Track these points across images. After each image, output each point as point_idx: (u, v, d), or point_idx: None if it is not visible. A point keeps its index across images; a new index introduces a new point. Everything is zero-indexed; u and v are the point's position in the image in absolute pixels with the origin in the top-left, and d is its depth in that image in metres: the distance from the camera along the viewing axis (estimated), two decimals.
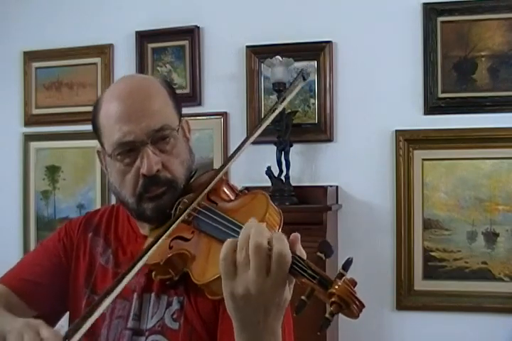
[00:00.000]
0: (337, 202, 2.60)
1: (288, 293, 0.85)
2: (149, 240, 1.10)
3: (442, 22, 2.51)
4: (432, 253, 2.49)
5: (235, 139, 2.71)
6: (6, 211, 3.11)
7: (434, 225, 2.50)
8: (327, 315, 0.78)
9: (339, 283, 0.78)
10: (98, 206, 2.94)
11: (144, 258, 0.96)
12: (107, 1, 2.97)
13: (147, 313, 1.09)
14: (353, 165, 2.60)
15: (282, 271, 0.81)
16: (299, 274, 0.81)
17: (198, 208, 1.04)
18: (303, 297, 0.80)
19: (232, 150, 2.73)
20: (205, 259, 0.97)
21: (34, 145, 3.08)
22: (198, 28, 2.80)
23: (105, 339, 1.10)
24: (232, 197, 1.09)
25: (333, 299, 0.78)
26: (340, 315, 0.79)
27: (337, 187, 2.61)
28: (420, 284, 2.49)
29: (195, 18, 2.80)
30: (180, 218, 1.00)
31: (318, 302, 0.81)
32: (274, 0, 2.71)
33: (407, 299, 2.50)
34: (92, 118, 1.14)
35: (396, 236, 2.52)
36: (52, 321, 1.20)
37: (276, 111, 1.10)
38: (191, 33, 2.80)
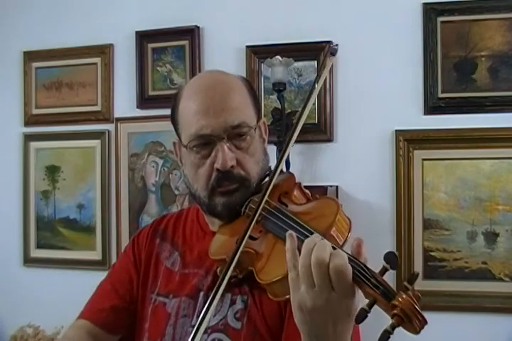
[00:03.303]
0: None
1: (358, 301, 0.84)
2: (217, 236, 1.11)
3: (442, 22, 2.51)
4: (432, 253, 2.49)
5: None
6: (6, 211, 3.11)
7: (434, 225, 2.50)
8: (387, 328, 0.77)
9: (403, 296, 0.77)
10: (98, 206, 2.95)
11: (235, 261, 0.95)
12: (107, 1, 2.97)
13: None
14: (353, 165, 2.60)
15: (345, 285, 0.80)
16: (362, 282, 0.80)
17: (269, 208, 1.03)
18: (365, 306, 0.79)
19: None
20: (270, 259, 0.97)
21: (34, 145, 3.08)
22: (198, 28, 2.80)
23: (171, 338, 1.10)
24: (304, 201, 1.09)
25: (395, 311, 0.76)
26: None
27: (337, 187, 2.60)
28: (420, 284, 2.49)
29: (195, 18, 2.80)
30: (255, 219, 0.99)
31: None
32: (275, 0, 2.71)
33: None
34: (172, 109, 1.16)
35: (396, 236, 2.52)
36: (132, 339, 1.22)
37: (315, 92, 1.07)
38: (191, 33, 2.80)
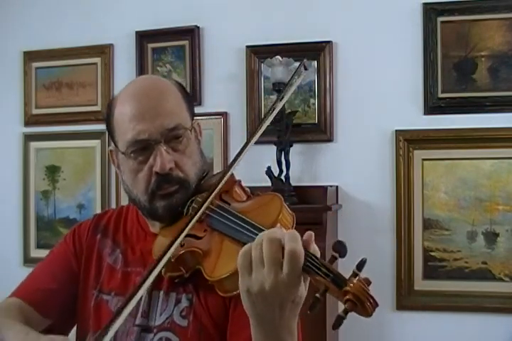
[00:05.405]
0: (337, 202, 2.60)
1: (303, 290, 0.86)
2: (159, 238, 1.12)
3: (442, 22, 2.51)
4: (432, 253, 2.49)
5: (235, 139, 2.71)
6: (6, 211, 3.11)
7: (434, 225, 2.50)
8: (340, 313, 0.79)
9: (354, 281, 0.79)
10: (98, 206, 2.95)
11: (165, 259, 0.96)
12: (107, 1, 2.97)
13: (156, 310, 1.10)
14: (353, 165, 2.60)
15: (295, 269, 0.81)
16: (312, 272, 0.82)
17: (212, 207, 1.05)
18: (317, 294, 0.80)
19: (232, 150, 2.75)
20: (218, 257, 0.99)
21: (34, 145, 3.08)
22: (198, 28, 2.80)
23: (113, 336, 1.10)
24: (244, 199, 1.12)
25: (347, 297, 0.78)
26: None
27: (337, 187, 2.61)
28: (420, 284, 2.49)
29: (195, 18, 2.80)
30: (196, 218, 1.01)
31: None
32: (275, 0, 2.71)
33: (407, 299, 2.50)
34: (106, 116, 1.18)
35: (396, 236, 2.52)
36: (66, 328, 1.23)
37: (281, 104, 1.09)
38: (191, 33, 2.80)
